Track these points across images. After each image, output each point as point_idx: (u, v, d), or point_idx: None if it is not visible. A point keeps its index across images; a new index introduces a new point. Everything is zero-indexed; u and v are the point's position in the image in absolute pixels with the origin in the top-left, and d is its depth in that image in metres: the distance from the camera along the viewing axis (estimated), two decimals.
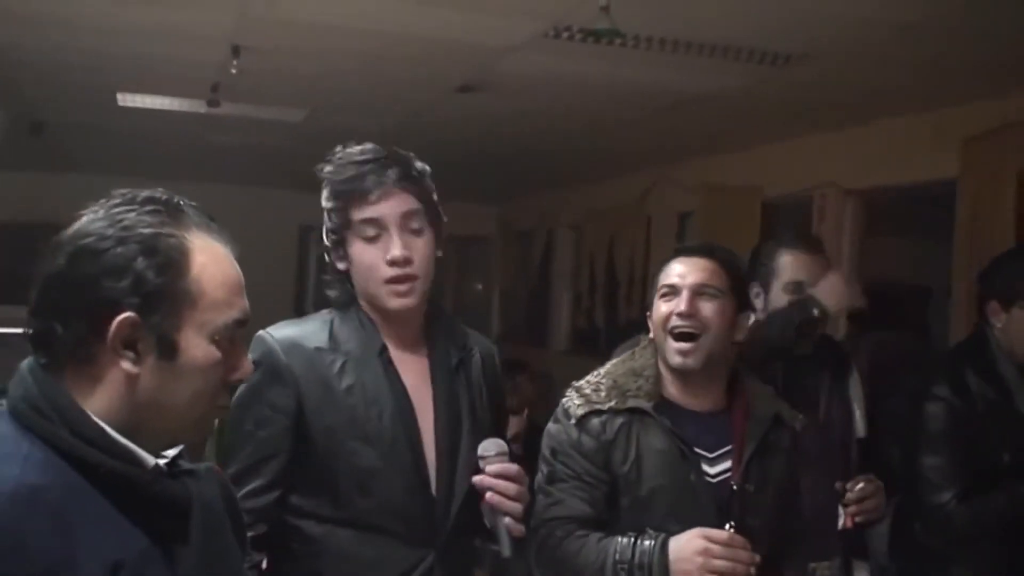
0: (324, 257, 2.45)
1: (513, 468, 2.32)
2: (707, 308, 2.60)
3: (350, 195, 2.31)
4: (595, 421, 2.60)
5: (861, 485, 2.98)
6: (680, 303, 2.60)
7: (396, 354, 2.36)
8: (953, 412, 3.23)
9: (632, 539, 2.48)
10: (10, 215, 9.68)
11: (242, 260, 1.52)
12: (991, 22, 3.99)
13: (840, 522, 2.99)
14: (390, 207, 2.30)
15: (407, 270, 2.30)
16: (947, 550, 3.28)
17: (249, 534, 1.78)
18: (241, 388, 2.19)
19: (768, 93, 5.47)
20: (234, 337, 1.49)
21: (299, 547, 2.26)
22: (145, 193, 1.45)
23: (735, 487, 2.56)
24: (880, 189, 6.24)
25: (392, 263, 2.29)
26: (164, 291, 1.39)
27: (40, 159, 9.22)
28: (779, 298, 3.20)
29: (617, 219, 9.18)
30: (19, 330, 1.50)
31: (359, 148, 2.37)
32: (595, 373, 2.75)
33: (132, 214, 1.41)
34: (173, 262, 1.40)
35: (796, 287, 3.21)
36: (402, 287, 2.31)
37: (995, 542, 3.21)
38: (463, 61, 5.24)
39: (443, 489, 2.32)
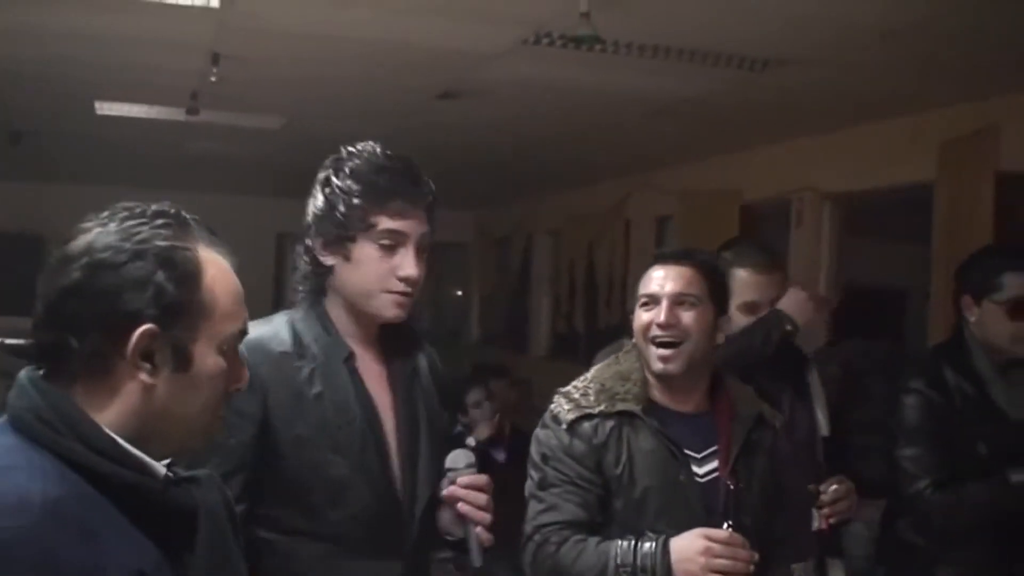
0: (305, 244, 2.35)
1: (482, 479, 2.33)
2: (687, 317, 2.64)
3: (382, 200, 2.27)
4: (586, 425, 2.63)
5: (835, 487, 3.03)
6: (660, 313, 2.64)
7: (359, 360, 2.33)
8: (929, 404, 3.27)
9: (632, 542, 2.51)
10: None
11: (238, 274, 1.54)
12: (967, 27, 4.03)
13: (815, 524, 3.01)
14: (415, 225, 2.29)
15: (412, 289, 2.30)
16: (932, 548, 3.30)
17: None
18: None
19: (747, 98, 5.50)
20: (236, 347, 1.52)
21: (267, 561, 2.17)
22: (154, 207, 1.47)
23: (731, 486, 2.60)
24: (858, 193, 6.29)
25: (404, 280, 2.28)
26: (183, 303, 1.41)
27: (18, 169, 9.18)
28: (736, 317, 3.18)
29: (596, 224, 9.21)
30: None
31: (387, 153, 2.34)
32: (581, 379, 2.77)
33: (145, 227, 1.42)
34: (189, 275, 1.43)
35: (750, 307, 3.24)
36: (404, 301, 2.31)
37: (981, 541, 3.23)
38: (444, 68, 5.25)
39: (407, 499, 2.31)
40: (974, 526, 3.22)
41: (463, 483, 2.30)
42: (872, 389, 5.22)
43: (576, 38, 4.04)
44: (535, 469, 2.68)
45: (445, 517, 2.36)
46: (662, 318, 2.62)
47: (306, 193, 2.36)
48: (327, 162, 2.36)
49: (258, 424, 2.17)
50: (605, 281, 9.04)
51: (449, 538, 2.38)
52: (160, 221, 1.44)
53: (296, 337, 2.29)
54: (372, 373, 2.35)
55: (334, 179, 2.30)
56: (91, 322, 1.38)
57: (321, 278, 2.35)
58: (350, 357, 2.31)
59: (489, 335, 12.32)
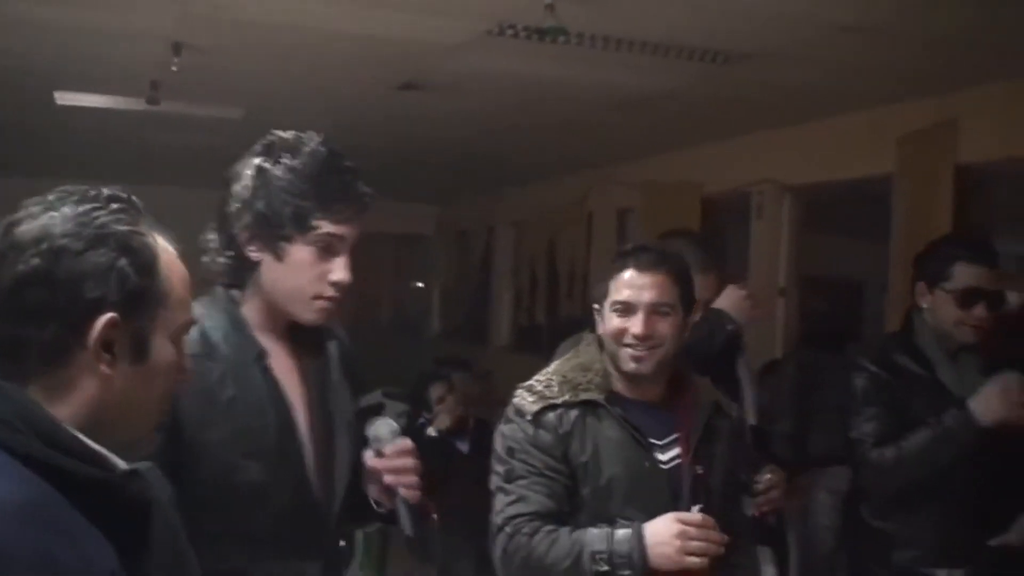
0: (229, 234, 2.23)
1: (407, 444, 2.30)
2: (662, 325, 2.67)
3: (328, 204, 2.17)
4: (551, 415, 2.65)
5: (768, 476, 3.11)
6: (636, 324, 2.66)
7: (271, 358, 2.25)
8: (877, 380, 3.39)
9: (606, 529, 2.54)
10: None
11: (184, 262, 1.51)
12: (926, 22, 4.06)
13: (748, 511, 3.06)
14: (352, 231, 2.21)
15: (341, 294, 2.23)
16: (892, 531, 3.39)
17: None
18: None
19: (709, 92, 5.52)
20: (183, 337, 1.49)
21: None
22: (107, 191, 1.42)
23: (700, 471, 2.66)
24: (818, 186, 6.33)
25: (336, 284, 2.21)
26: (143, 291, 1.38)
27: None
28: None
29: (558, 217, 9.22)
30: None
31: (332, 150, 2.22)
32: (543, 372, 2.81)
33: (103, 212, 1.38)
34: (148, 262, 1.39)
35: None
36: (330, 306, 2.24)
37: (938, 523, 3.32)
38: (406, 59, 5.23)
39: (325, 497, 2.26)
40: (920, 481, 3.30)
41: (391, 452, 2.28)
42: (826, 377, 5.34)
43: (541, 30, 4.05)
44: (500, 463, 2.70)
45: (373, 489, 2.32)
46: (640, 330, 2.65)
47: None
48: (257, 147, 2.23)
49: (167, 431, 2.01)
50: (567, 273, 9.05)
51: (380, 510, 2.34)
52: (116, 206, 1.40)
53: (203, 335, 2.16)
54: (284, 369, 2.27)
55: (271, 171, 2.18)
56: (51, 312, 1.33)
57: (246, 273, 2.25)
58: (261, 355, 2.23)
59: (451, 328, 12.31)
